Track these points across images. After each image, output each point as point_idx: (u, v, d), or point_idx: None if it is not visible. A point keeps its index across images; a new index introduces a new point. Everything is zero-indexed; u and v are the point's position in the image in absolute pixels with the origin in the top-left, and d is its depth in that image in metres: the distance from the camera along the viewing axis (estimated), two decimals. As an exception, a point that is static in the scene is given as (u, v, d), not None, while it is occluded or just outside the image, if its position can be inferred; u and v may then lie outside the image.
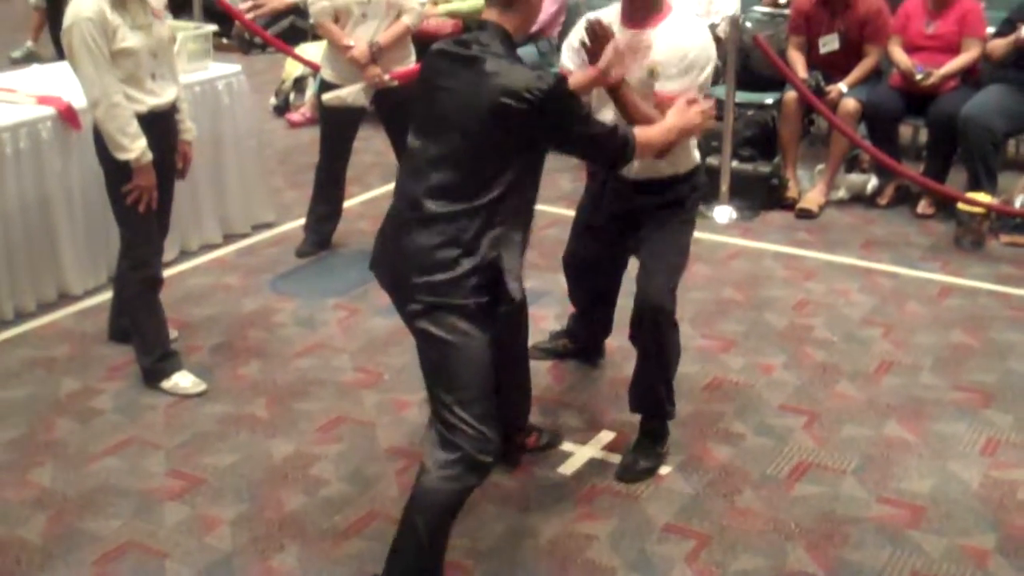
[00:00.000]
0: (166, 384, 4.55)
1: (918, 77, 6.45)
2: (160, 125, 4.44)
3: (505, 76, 3.07)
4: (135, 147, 4.27)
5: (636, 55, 3.72)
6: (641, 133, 3.44)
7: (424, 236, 3.15)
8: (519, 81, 3.06)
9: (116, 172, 4.34)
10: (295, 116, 8.60)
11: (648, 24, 3.82)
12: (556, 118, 3.14)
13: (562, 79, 3.26)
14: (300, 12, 10.13)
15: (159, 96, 4.42)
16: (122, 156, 4.27)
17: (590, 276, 4.46)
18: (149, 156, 4.31)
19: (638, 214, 4.02)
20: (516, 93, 3.04)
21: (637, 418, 4.13)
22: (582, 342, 4.80)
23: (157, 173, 4.39)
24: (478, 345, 3.17)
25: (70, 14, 4.19)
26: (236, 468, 4.03)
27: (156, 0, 4.47)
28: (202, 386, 4.56)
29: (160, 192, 4.46)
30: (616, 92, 3.68)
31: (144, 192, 4.35)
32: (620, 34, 3.78)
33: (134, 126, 4.27)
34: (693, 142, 4.03)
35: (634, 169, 3.78)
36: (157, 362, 4.57)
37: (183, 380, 4.57)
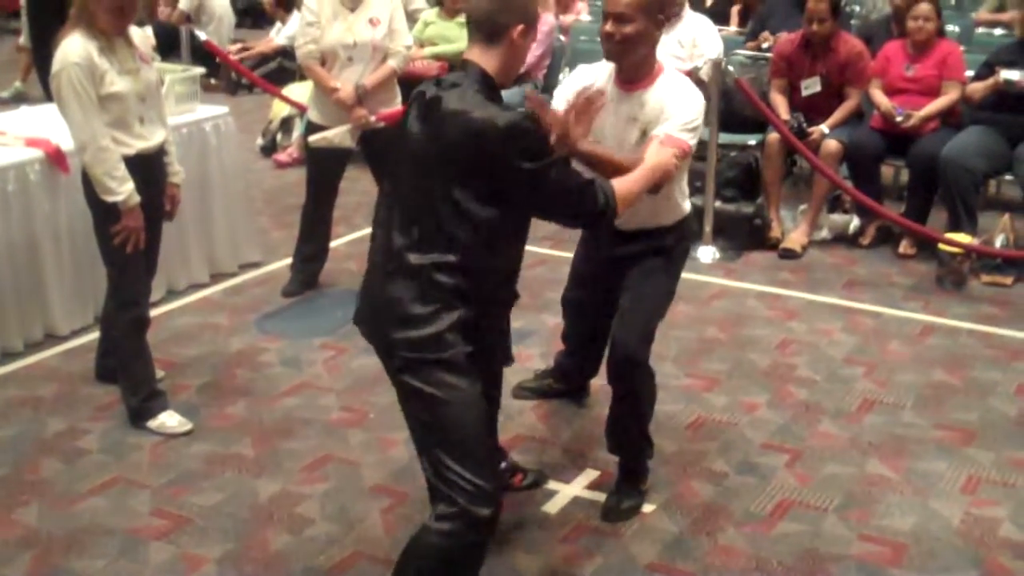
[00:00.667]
0: (152, 424, 4.56)
1: (898, 119, 6.53)
2: (148, 168, 4.47)
3: (469, 115, 2.95)
4: (123, 190, 4.30)
5: (586, 119, 3.49)
6: (620, 185, 3.27)
7: (400, 288, 3.06)
8: (482, 119, 2.93)
9: (104, 213, 4.37)
10: (282, 157, 8.64)
11: (640, 85, 3.80)
12: (524, 159, 2.95)
13: (532, 116, 3.07)
14: (287, 54, 10.21)
15: (147, 139, 4.45)
16: (110, 199, 4.30)
17: (586, 317, 4.49)
18: (137, 198, 4.34)
19: (626, 259, 4.04)
20: (479, 132, 2.92)
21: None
22: (570, 382, 4.82)
23: (145, 215, 4.41)
24: (468, 397, 3.05)
25: (58, 59, 4.22)
26: (222, 507, 4.04)
27: (143, 45, 4.53)
28: (188, 426, 4.57)
29: (148, 233, 4.48)
30: (579, 153, 3.50)
31: (132, 233, 4.38)
32: (613, 94, 3.80)
33: (121, 169, 4.31)
34: (683, 191, 4.02)
35: (620, 219, 3.73)
36: (144, 401, 4.58)
37: (169, 420, 4.58)
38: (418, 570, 3.11)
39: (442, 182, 2.99)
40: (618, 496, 4.06)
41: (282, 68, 10.78)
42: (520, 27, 3.10)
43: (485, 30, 3.10)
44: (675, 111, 3.72)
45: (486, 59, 3.09)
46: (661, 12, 3.80)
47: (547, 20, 8.05)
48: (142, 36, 4.60)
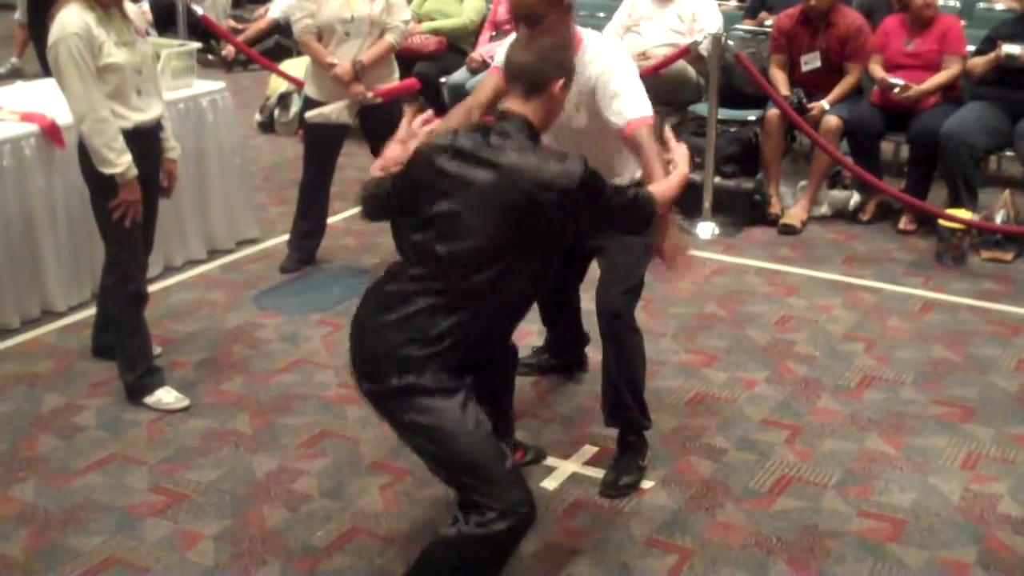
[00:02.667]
0: (149, 400, 4.55)
1: (895, 90, 6.49)
2: (145, 141, 4.45)
3: (534, 168, 2.99)
4: (121, 162, 4.28)
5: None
6: (659, 191, 3.40)
7: (395, 316, 3.07)
8: (550, 172, 2.98)
9: (101, 187, 4.35)
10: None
11: None
12: (595, 199, 3.07)
13: (585, 161, 3.06)
14: (284, 30, 10.16)
15: (144, 112, 4.43)
16: (108, 171, 4.28)
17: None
18: (135, 171, 4.32)
19: None
20: (549, 184, 2.97)
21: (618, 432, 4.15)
22: (565, 354, 4.82)
23: (142, 189, 4.40)
24: (454, 414, 3.05)
25: (56, 29, 4.19)
26: (219, 484, 4.03)
27: (137, 20, 4.51)
28: (185, 402, 4.56)
29: (145, 208, 4.46)
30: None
31: (130, 207, 4.36)
32: None
33: (120, 141, 4.28)
34: (627, 158, 4.02)
35: None
36: (140, 378, 4.57)
37: (166, 396, 4.57)
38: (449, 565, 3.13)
39: (501, 236, 3.02)
40: (616, 472, 4.05)
41: (279, 45, 10.74)
42: (561, 81, 3.19)
43: (527, 82, 3.17)
44: (617, 85, 3.76)
45: (527, 109, 3.16)
46: None
47: None
48: (136, 11, 4.58)
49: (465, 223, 3.03)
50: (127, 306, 4.54)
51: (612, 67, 3.81)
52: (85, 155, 4.34)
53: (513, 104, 3.17)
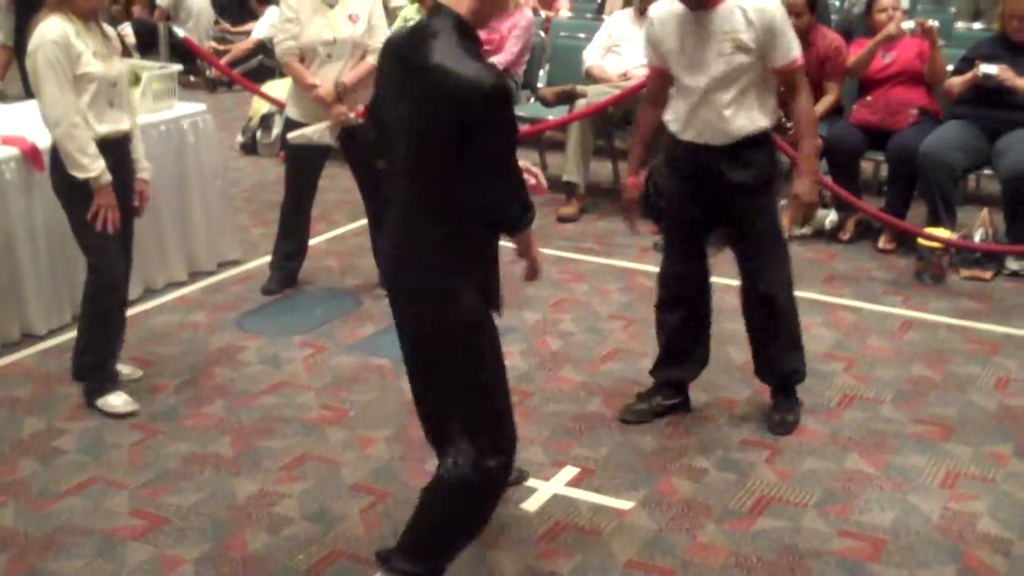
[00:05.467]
0: (99, 402, 4.64)
1: (906, 28, 6.65)
2: (115, 152, 4.53)
3: (458, 68, 2.93)
4: (95, 167, 4.37)
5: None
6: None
7: (411, 242, 3.16)
8: (474, 72, 2.93)
9: (75, 199, 4.45)
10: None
11: (711, 3, 4.14)
12: (501, 117, 3.01)
13: (503, 75, 3.06)
14: (267, 51, 10.19)
15: (114, 125, 4.53)
16: (81, 175, 4.37)
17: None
18: (108, 177, 4.43)
19: (722, 198, 4.42)
20: (465, 90, 2.92)
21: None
22: (678, 385, 4.71)
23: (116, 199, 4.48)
24: (497, 348, 3.30)
25: (35, 39, 4.32)
26: (200, 507, 4.02)
27: (113, 40, 4.64)
28: (132, 406, 4.64)
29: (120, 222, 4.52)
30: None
31: (108, 211, 4.44)
32: (686, 17, 4.18)
33: (93, 147, 4.39)
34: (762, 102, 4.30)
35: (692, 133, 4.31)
36: (97, 381, 4.67)
37: (115, 399, 4.66)
38: (432, 521, 3.28)
39: (439, 140, 2.99)
40: (780, 412, 4.54)
41: (263, 65, 10.76)
42: None
43: None
44: (767, 23, 4.14)
45: (459, 1, 3.04)
46: None
47: (526, 15, 8.03)
48: (112, 34, 4.68)
49: (411, 131, 3.06)
50: (100, 317, 4.63)
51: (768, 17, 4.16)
52: (57, 167, 4.45)
53: None
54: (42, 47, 4.29)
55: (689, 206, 4.41)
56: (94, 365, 4.69)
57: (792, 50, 4.21)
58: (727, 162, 4.25)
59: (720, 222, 4.45)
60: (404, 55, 3.08)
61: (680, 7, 4.18)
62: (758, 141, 4.27)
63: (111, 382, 4.71)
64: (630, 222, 4.15)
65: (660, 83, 4.42)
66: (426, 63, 2.97)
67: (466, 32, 3.03)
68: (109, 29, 4.63)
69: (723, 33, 4.12)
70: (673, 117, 4.36)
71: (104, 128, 4.47)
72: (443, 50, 2.97)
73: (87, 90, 4.39)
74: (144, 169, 4.72)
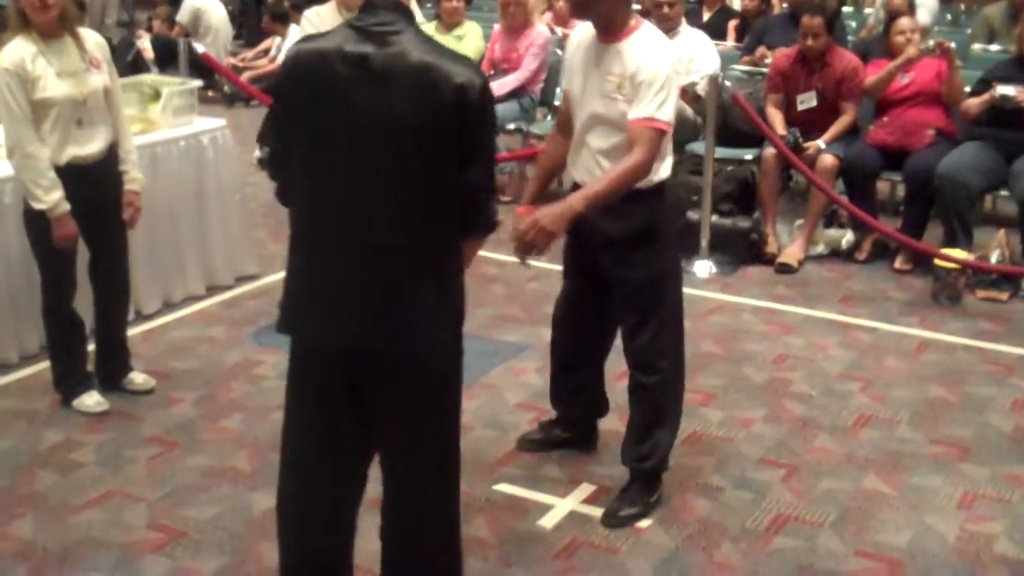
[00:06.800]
0: (75, 402, 4.75)
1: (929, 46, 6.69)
2: (86, 175, 4.50)
3: (444, 64, 2.75)
4: (49, 199, 4.38)
5: None
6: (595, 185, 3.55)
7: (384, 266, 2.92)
8: (464, 68, 2.77)
9: (31, 219, 4.51)
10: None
11: (613, 39, 3.78)
12: (483, 116, 2.85)
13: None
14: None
15: (83, 146, 4.49)
16: (36, 206, 4.41)
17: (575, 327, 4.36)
18: (65, 207, 4.41)
19: (606, 249, 4.02)
20: (467, 82, 2.74)
21: (617, 469, 4.16)
22: (575, 422, 4.55)
23: (92, 224, 4.53)
24: None
25: None
26: (217, 521, 4.03)
27: (97, 50, 4.56)
28: (104, 406, 4.75)
29: (102, 241, 4.60)
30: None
31: (63, 241, 4.49)
32: (593, 47, 3.83)
33: (49, 177, 4.37)
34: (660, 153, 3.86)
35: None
36: (69, 388, 4.76)
37: (88, 399, 4.76)
38: None
39: (428, 144, 2.78)
40: (619, 502, 4.07)
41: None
42: None
43: None
44: (645, 76, 3.68)
45: None
46: None
47: (543, 33, 8.06)
48: (97, 42, 4.62)
49: (384, 136, 2.86)
50: (57, 330, 4.73)
51: (651, 66, 3.72)
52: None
53: None
54: None
55: (575, 242, 4.13)
56: (62, 373, 4.80)
57: (653, 111, 3.67)
58: (601, 211, 3.74)
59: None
60: (362, 57, 2.77)
61: (594, 33, 3.86)
62: (642, 194, 3.80)
63: (82, 384, 4.80)
64: (518, 254, 3.77)
65: (570, 110, 4.01)
66: (405, 62, 2.75)
67: (412, 18, 2.85)
68: (92, 37, 4.56)
69: (611, 73, 3.76)
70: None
71: (70, 152, 4.43)
72: (417, 46, 2.77)
73: (47, 116, 4.36)
74: (133, 180, 4.69)
